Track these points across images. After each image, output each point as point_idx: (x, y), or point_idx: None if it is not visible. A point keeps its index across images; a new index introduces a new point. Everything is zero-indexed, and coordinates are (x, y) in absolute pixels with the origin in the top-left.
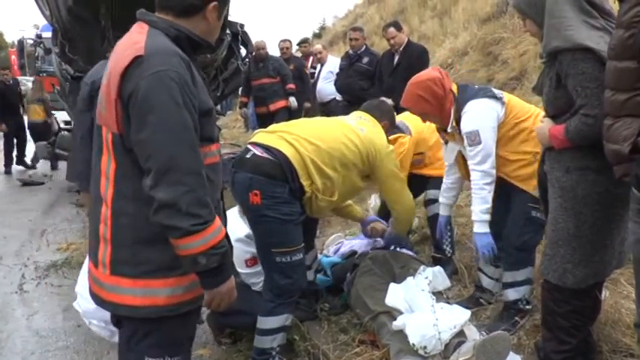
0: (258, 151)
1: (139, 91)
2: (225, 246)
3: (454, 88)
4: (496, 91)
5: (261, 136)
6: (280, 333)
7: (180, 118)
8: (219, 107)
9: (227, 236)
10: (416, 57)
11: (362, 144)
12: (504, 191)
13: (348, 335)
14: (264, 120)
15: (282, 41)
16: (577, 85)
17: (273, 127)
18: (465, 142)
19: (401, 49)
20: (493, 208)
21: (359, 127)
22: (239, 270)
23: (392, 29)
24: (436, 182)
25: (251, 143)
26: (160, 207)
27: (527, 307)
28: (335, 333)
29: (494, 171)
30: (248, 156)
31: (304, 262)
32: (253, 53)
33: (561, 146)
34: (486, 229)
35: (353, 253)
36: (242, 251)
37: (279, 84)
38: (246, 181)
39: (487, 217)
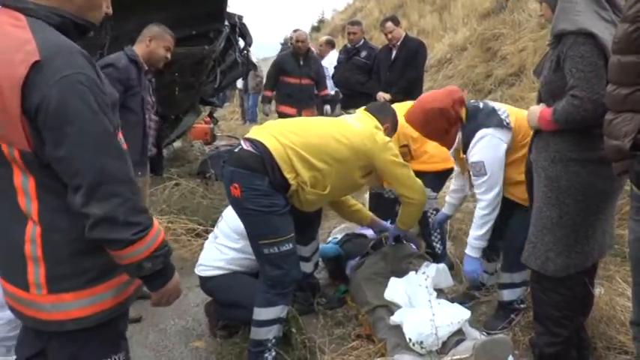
0: (245, 146)
1: (50, 102)
2: (166, 246)
3: (463, 113)
4: (503, 116)
5: (253, 131)
6: (276, 325)
7: (100, 125)
8: (216, 99)
9: None
10: (413, 51)
11: (354, 137)
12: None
13: (344, 329)
14: None
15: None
16: (573, 66)
17: (266, 123)
18: (470, 170)
19: (398, 43)
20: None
21: (354, 123)
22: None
23: (389, 23)
24: (424, 178)
25: (243, 138)
26: (96, 223)
27: (522, 305)
28: (331, 327)
29: (497, 200)
30: (236, 150)
31: (295, 253)
32: (251, 45)
33: (548, 128)
34: (477, 254)
35: (362, 235)
36: None
37: (314, 87)
38: (228, 175)
39: (481, 244)
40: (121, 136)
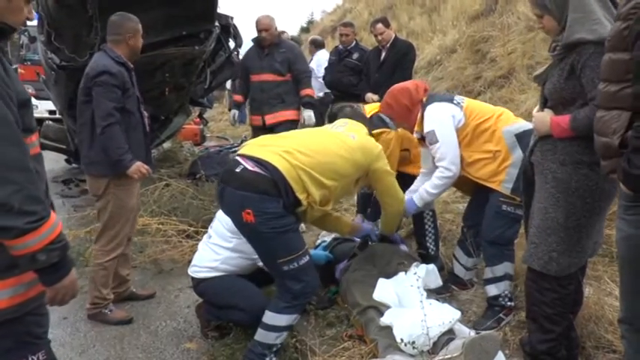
0: (248, 165)
1: None
2: (63, 239)
3: (424, 98)
4: (457, 98)
5: (252, 148)
6: (286, 332)
7: None
8: (205, 100)
9: None
10: (402, 53)
11: (356, 152)
12: (483, 189)
13: (336, 330)
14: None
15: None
16: (595, 76)
17: (263, 139)
18: (430, 138)
19: (388, 45)
20: (473, 207)
21: (349, 134)
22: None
23: (380, 25)
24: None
25: (240, 156)
26: None
27: (510, 303)
28: (322, 328)
29: (454, 167)
30: (237, 170)
31: (312, 263)
32: (241, 46)
33: (562, 135)
34: (420, 204)
35: (349, 238)
36: None
37: (288, 85)
38: (237, 199)
39: (428, 200)
40: (34, 139)
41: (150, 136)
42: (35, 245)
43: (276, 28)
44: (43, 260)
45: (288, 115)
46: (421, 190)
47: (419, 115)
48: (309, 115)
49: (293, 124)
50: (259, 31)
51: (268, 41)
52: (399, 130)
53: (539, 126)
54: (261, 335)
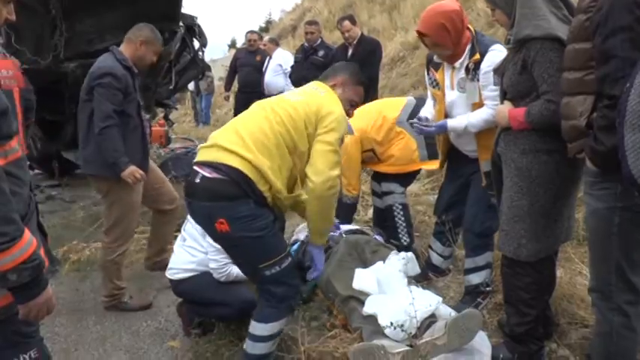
0: (206, 173)
1: None
2: (37, 259)
3: (471, 27)
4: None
5: (202, 153)
6: (279, 334)
7: None
8: (170, 101)
9: (44, 234)
10: (370, 50)
11: (299, 114)
12: (462, 180)
13: (319, 322)
14: None
15: (249, 32)
16: (543, 72)
17: (210, 139)
18: (490, 79)
19: (355, 42)
20: (451, 198)
21: (296, 98)
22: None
23: (347, 22)
24: (391, 177)
25: (196, 164)
26: None
27: (488, 288)
28: (307, 320)
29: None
30: (197, 180)
31: (294, 265)
32: (206, 46)
33: (520, 128)
34: (444, 126)
35: None
36: None
37: None
38: (206, 212)
39: (456, 125)
40: (14, 144)
41: (147, 140)
42: (6, 265)
43: None
44: (14, 280)
45: None
46: (462, 118)
47: (467, 46)
48: None
49: None
50: None
51: None
52: (356, 133)
53: (499, 119)
54: (257, 348)
